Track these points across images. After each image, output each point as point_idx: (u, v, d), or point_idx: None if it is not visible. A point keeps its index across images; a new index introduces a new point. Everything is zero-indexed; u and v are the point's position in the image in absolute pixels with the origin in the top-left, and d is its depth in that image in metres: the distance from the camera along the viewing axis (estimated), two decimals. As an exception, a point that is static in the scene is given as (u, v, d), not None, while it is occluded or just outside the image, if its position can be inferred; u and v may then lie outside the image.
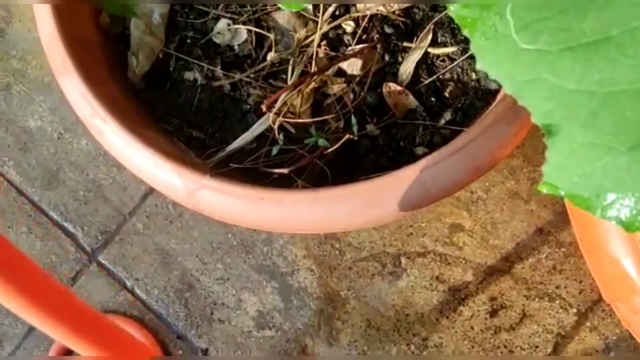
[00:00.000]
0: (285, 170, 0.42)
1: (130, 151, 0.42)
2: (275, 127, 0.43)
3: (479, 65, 0.27)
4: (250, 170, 0.44)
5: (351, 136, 0.42)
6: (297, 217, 0.40)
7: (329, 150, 0.43)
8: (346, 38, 0.46)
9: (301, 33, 0.45)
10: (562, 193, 0.25)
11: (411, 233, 0.73)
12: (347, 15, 0.45)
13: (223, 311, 0.75)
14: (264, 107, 0.42)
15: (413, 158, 0.44)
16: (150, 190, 0.79)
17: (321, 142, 0.43)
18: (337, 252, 0.74)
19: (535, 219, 0.71)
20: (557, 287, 0.69)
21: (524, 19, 0.25)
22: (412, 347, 0.71)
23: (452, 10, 0.28)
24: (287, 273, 0.75)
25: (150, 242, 0.77)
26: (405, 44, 0.46)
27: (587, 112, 0.24)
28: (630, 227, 0.23)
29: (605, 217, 0.24)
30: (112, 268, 0.77)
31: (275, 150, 0.44)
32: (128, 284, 0.77)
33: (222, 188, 0.40)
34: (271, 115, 0.43)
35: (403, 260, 0.73)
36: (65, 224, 0.79)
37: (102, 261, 0.78)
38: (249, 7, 0.48)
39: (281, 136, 0.44)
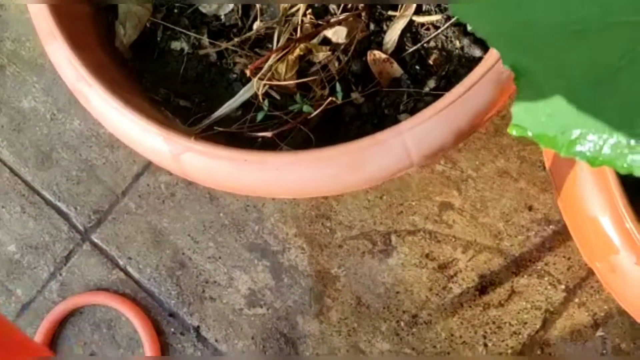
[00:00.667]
0: (268, 134, 0.42)
1: (116, 116, 0.42)
2: (260, 93, 0.43)
3: (451, 11, 0.28)
4: (236, 136, 0.44)
5: (334, 99, 0.42)
6: (280, 180, 0.40)
7: (313, 115, 0.43)
8: (332, 7, 0.46)
9: (287, 2, 0.45)
10: (530, 134, 0.25)
11: (401, 211, 0.73)
12: (333, -16, 0.45)
13: (214, 289, 0.76)
14: (248, 72, 0.43)
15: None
16: (143, 171, 0.80)
17: (305, 108, 0.44)
18: (328, 230, 0.75)
19: (524, 197, 0.71)
20: (545, 264, 0.69)
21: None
22: (402, 324, 0.71)
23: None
24: (278, 251, 0.75)
25: (143, 222, 0.78)
26: (390, 12, 0.46)
27: (553, 52, 0.24)
28: (593, 161, 0.24)
29: (570, 154, 0.24)
30: (105, 247, 0.78)
31: (260, 116, 0.44)
32: (121, 262, 0.77)
33: (206, 150, 0.40)
34: (256, 80, 0.43)
35: (393, 238, 0.73)
36: (59, 204, 0.79)
37: (95, 240, 0.78)
38: (236, -22, 0.48)
39: (266, 102, 0.45)
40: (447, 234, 0.72)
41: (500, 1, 0.26)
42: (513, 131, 0.26)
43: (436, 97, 0.43)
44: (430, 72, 0.46)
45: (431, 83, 0.45)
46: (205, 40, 0.47)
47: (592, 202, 0.35)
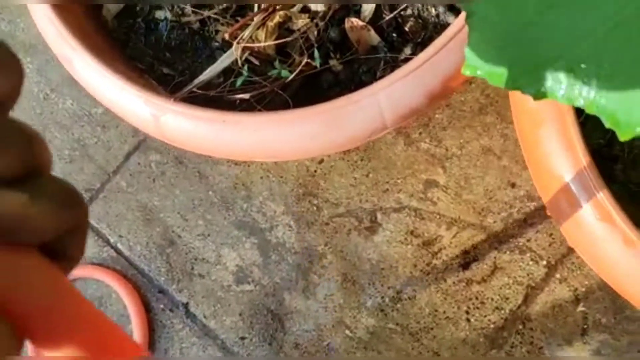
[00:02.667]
0: (246, 96, 0.43)
1: (98, 79, 0.43)
2: (240, 58, 0.45)
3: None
4: (216, 101, 0.45)
5: (311, 62, 0.44)
6: (258, 141, 0.41)
7: (291, 79, 0.44)
8: (311, -24, 0.48)
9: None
10: (479, 72, 0.26)
11: (387, 189, 0.75)
12: (312, -47, 0.46)
13: (203, 266, 0.77)
14: (227, 36, 0.44)
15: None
16: (134, 150, 0.81)
17: (283, 73, 0.45)
18: (315, 208, 0.76)
19: (507, 174, 0.72)
20: (527, 240, 0.70)
21: None
22: (387, 299, 0.72)
23: None
24: (266, 229, 0.76)
25: (133, 200, 0.79)
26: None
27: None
28: (536, 95, 0.25)
29: (516, 88, 0.25)
30: (96, 225, 0.79)
31: (239, 81, 0.45)
32: (112, 240, 0.79)
33: (185, 111, 0.41)
34: (235, 44, 0.44)
35: (379, 215, 0.74)
36: (51, 182, 0.81)
37: (86, 218, 0.79)
38: (219, -50, 0.49)
39: (245, 68, 0.46)
40: (432, 211, 0.73)
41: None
42: (467, 71, 0.28)
43: (412, 63, 0.44)
44: (406, 40, 0.47)
45: (407, 50, 0.46)
46: (188, 8, 0.49)
47: (558, 162, 0.36)
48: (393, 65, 0.47)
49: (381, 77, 0.47)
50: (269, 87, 0.44)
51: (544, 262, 0.69)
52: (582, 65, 0.23)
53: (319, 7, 0.47)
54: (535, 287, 0.69)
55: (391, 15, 0.47)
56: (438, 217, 0.73)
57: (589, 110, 0.24)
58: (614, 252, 0.36)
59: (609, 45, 0.23)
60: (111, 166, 0.80)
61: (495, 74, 0.26)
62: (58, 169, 0.81)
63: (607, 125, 0.23)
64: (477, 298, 0.71)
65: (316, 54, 0.46)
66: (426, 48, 0.40)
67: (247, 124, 0.41)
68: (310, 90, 0.47)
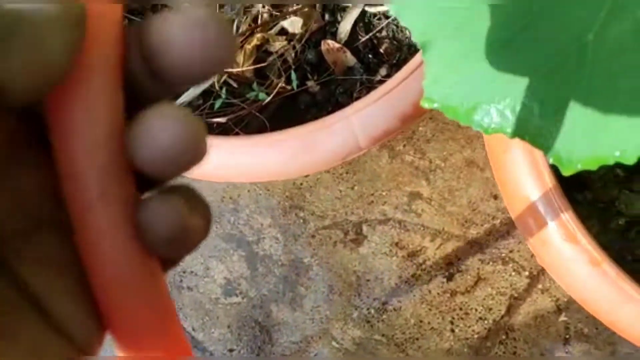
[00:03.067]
0: (223, 119, 0.44)
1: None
2: (216, 80, 0.45)
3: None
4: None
5: (288, 84, 0.44)
6: (233, 164, 0.42)
7: (268, 102, 0.45)
8: (288, -1, 0.49)
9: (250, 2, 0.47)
10: (436, 105, 0.27)
11: (372, 201, 0.75)
12: (288, -23, 0.47)
13: (192, 279, 0.78)
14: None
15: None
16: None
17: (261, 95, 0.46)
18: (301, 220, 0.76)
19: (490, 187, 0.73)
20: (510, 252, 0.71)
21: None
22: (372, 311, 0.73)
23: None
24: (253, 241, 0.77)
25: (122, 213, 0.80)
26: (344, 3, 0.48)
27: (453, 25, 0.26)
28: (486, 130, 0.26)
29: (469, 123, 0.26)
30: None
31: (218, 103, 0.46)
32: (100, 253, 0.80)
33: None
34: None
35: (364, 227, 0.75)
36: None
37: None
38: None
39: (224, 91, 0.47)
40: (416, 222, 0.74)
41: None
42: (425, 104, 0.28)
43: (387, 85, 0.45)
44: (382, 61, 0.48)
45: (383, 71, 0.47)
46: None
47: (525, 183, 0.37)
48: (369, 86, 0.48)
49: (357, 97, 0.48)
50: (247, 110, 0.45)
51: (526, 273, 0.70)
52: (526, 103, 0.24)
53: (296, 30, 0.48)
54: (517, 298, 0.70)
55: (367, 36, 0.48)
56: (422, 228, 0.74)
57: (535, 146, 0.25)
58: (581, 272, 0.37)
59: (550, 84, 0.24)
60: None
61: (451, 108, 0.27)
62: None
63: (550, 161, 0.24)
64: (461, 309, 0.71)
65: (293, 75, 0.47)
66: (399, 71, 0.41)
67: (223, 148, 0.42)
68: (288, 112, 0.48)
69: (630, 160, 0.23)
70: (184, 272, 0.78)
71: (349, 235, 0.75)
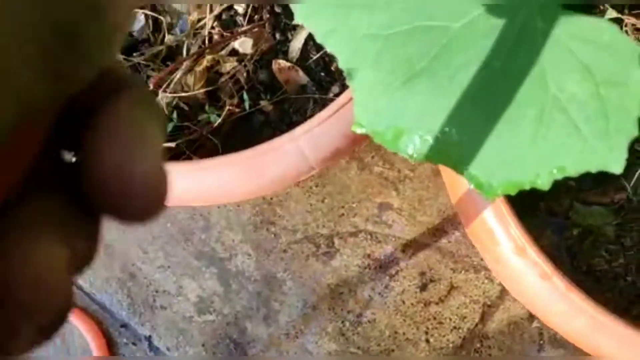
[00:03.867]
0: (172, 144, 0.43)
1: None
2: (166, 105, 0.45)
3: (297, 19, 0.29)
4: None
5: (236, 106, 0.44)
6: (183, 188, 0.42)
7: (220, 123, 0.45)
8: (238, 19, 0.48)
9: (194, 16, 0.47)
10: (365, 130, 0.27)
11: (343, 214, 0.75)
12: (237, -3, 0.47)
13: (165, 298, 0.77)
14: (151, 85, 0.44)
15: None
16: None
17: (213, 117, 0.45)
18: (273, 235, 0.76)
19: (459, 194, 0.73)
20: (481, 259, 0.71)
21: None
22: (347, 324, 0.73)
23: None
24: (225, 258, 0.76)
25: (93, 235, 0.79)
26: (294, 22, 0.48)
27: (374, 53, 0.26)
28: (411, 157, 0.25)
29: (396, 150, 0.26)
30: (57, 261, 0.79)
31: (169, 127, 0.46)
32: (72, 276, 0.79)
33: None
34: (160, 93, 0.44)
35: (336, 240, 0.75)
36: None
37: (46, 255, 0.79)
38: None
39: (175, 114, 0.46)
40: (387, 233, 0.74)
41: (331, 11, 0.27)
42: (356, 129, 0.28)
43: (340, 102, 0.45)
44: (334, 79, 0.48)
45: (335, 89, 0.47)
46: (118, 55, 0.49)
47: (476, 197, 0.37)
48: (323, 104, 0.47)
49: (311, 116, 0.47)
50: (199, 132, 0.44)
51: (498, 280, 0.70)
52: (445, 129, 0.24)
53: (247, 50, 0.47)
54: (491, 305, 0.70)
55: (318, 55, 0.47)
56: (394, 239, 0.73)
57: (457, 172, 0.25)
58: (533, 286, 0.36)
59: (465, 111, 0.23)
60: (69, 202, 0.80)
61: (378, 134, 0.27)
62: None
63: (472, 186, 0.24)
64: (435, 318, 0.71)
65: (245, 96, 0.46)
66: (343, 93, 0.40)
67: (171, 173, 0.42)
68: (242, 133, 0.48)
69: (544, 186, 0.23)
70: (157, 292, 0.77)
71: (321, 249, 0.75)
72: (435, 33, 0.24)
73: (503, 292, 0.70)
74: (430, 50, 0.24)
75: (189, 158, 0.46)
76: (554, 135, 0.22)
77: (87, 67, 0.12)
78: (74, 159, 0.14)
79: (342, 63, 0.27)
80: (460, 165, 0.24)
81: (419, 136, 0.25)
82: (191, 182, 0.42)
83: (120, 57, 0.49)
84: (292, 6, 0.30)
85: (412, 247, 0.73)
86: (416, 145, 0.25)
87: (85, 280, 0.78)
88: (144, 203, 0.13)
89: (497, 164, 0.23)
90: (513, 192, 0.23)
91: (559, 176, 0.22)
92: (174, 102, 0.46)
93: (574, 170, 0.23)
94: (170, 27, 0.48)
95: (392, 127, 0.26)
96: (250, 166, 0.41)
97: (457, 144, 0.24)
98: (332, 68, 0.48)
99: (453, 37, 0.23)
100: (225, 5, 0.48)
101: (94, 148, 0.13)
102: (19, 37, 0.10)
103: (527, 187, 0.22)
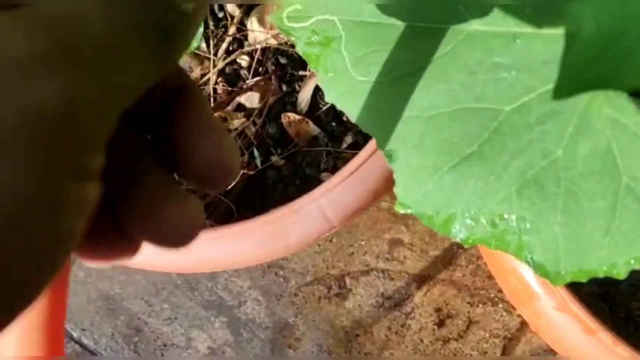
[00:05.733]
0: (185, 212, 0.41)
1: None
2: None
3: (327, 98, 0.28)
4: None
5: (247, 164, 0.42)
6: (201, 257, 0.40)
7: (231, 186, 0.43)
8: (243, 72, 0.46)
9: (197, 72, 0.45)
10: (411, 211, 0.25)
11: (352, 252, 0.73)
12: (239, 51, 0.45)
13: (174, 351, 0.74)
14: (159, 151, 0.42)
15: (320, 184, 0.44)
16: (90, 237, 0.78)
17: (224, 178, 0.43)
18: (282, 279, 0.74)
19: (471, 226, 0.71)
20: (498, 291, 0.69)
21: (356, 53, 0.26)
22: (365, 366, 0.71)
23: (299, 48, 0.28)
24: (234, 306, 0.74)
25: (94, 290, 0.76)
26: (300, 72, 0.46)
27: (416, 136, 0.24)
28: (466, 241, 0.24)
29: (448, 234, 0.24)
30: (58, 320, 0.76)
31: (179, 191, 0.44)
32: (75, 335, 0.76)
33: (122, 237, 0.40)
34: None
35: (347, 280, 0.73)
36: (6, 281, 0.77)
37: (47, 314, 0.76)
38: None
39: (184, 177, 0.44)
40: (400, 270, 0.72)
41: (365, 93, 0.26)
42: (400, 209, 0.27)
43: (354, 154, 0.43)
44: (346, 128, 0.46)
45: (348, 139, 0.45)
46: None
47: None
48: (336, 155, 0.45)
49: (325, 168, 0.45)
50: (211, 197, 0.42)
51: (518, 312, 0.69)
52: (503, 216, 0.22)
53: (254, 104, 0.46)
54: (512, 338, 0.68)
55: (328, 105, 0.46)
56: (407, 276, 0.72)
57: (519, 259, 0.23)
58: (578, 340, 0.35)
59: (525, 199, 0.22)
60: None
61: (426, 216, 0.25)
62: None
63: (538, 274, 0.22)
64: (455, 355, 0.69)
65: (256, 153, 0.44)
66: (362, 150, 0.39)
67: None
68: (255, 190, 0.46)
69: (620, 276, 0.21)
70: (165, 346, 0.74)
71: (332, 290, 0.73)
72: (484, 116, 0.23)
73: (523, 324, 0.68)
74: (480, 133, 0.22)
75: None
76: (628, 227, 0.20)
77: (177, 57, 0.16)
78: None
79: (380, 145, 0.26)
80: (520, 252, 0.22)
81: (472, 221, 0.23)
82: (210, 250, 0.40)
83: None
84: (321, 85, 0.28)
85: (426, 282, 0.71)
86: (469, 230, 0.23)
87: (89, 339, 0.75)
88: (228, 177, 0.17)
89: (565, 253, 0.21)
90: (584, 280, 0.22)
91: (637, 267, 0.21)
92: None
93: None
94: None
95: (442, 212, 0.24)
96: (270, 231, 0.39)
97: (516, 231, 0.22)
98: (344, 118, 0.46)
99: (504, 121, 0.22)
100: (228, 60, 0.46)
101: (190, 137, 0.17)
102: (133, 34, 0.14)
103: (602, 275, 0.21)
